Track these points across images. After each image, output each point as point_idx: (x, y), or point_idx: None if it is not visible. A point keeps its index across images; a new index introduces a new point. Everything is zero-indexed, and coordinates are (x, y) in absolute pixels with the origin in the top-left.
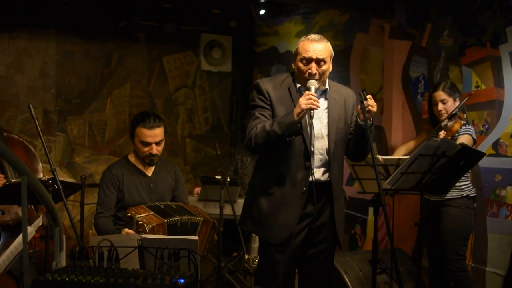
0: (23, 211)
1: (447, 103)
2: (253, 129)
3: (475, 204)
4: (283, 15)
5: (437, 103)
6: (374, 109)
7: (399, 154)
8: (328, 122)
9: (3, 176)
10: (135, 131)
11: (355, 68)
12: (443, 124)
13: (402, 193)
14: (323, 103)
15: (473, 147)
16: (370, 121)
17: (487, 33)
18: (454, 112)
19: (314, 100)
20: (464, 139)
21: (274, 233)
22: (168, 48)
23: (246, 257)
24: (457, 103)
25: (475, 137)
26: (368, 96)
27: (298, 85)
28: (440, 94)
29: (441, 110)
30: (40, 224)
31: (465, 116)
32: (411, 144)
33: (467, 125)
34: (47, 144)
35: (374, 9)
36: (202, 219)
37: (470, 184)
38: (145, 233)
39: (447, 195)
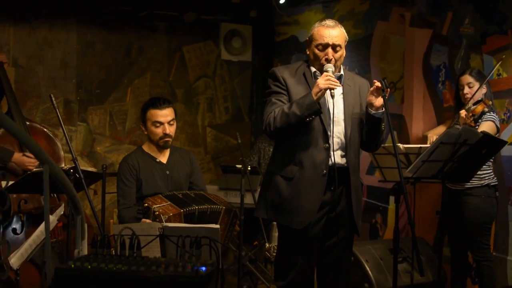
0: (45, 199)
1: (473, 87)
2: (271, 114)
3: (497, 193)
4: (303, 4)
5: (464, 86)
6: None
7: (431, 140)
8: (344, 107)
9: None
10: (147, 115)
11: (376, 57)
12: (466, 107)
13: (423, 182)
14: (338, 88)
15: (496, 135)
16: (382, 109)
17: (508, 21)
18: (479, 99)
19: (332, 81)
20: (486, 125)
21: (297, 217)
22: (188, 37)
23: (267, 245)
24: (484, 90)
25: (498, 125)
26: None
27: (313, 69)
28: (467, 78)
29: (466, 94)
30: (62, 213)
31: (490, 103)
32: (439, 130)
33: (492, 112)
34: (68, 134)
35: None
36: (224, 207)
37: (492, 173)
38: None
39: (467, 184)
